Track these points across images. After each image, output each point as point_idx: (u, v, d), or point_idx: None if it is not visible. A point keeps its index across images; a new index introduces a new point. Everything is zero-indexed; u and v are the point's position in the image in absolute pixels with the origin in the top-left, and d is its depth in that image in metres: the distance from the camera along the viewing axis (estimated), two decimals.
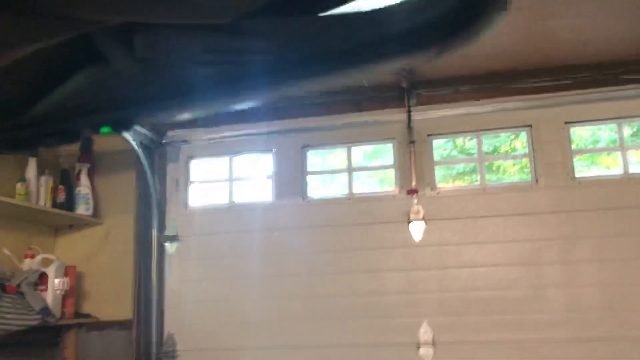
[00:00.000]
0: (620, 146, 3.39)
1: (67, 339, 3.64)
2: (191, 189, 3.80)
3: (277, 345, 3.44)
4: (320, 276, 3.47)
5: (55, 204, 3.56)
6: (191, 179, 3.82)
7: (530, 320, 3.19)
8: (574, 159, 3.37)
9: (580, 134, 3.61)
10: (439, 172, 3.56)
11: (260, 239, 3.59)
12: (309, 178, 3.67)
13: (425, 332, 3.28)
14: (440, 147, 3.89)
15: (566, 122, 3.38)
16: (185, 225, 3.71)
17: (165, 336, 3.58)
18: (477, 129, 3.49)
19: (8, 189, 3.29)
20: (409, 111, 3.46)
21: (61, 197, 3.60)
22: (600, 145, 3.64)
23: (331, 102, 3.64)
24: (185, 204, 3.76)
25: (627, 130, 3.42)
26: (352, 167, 3.66)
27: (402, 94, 3.43)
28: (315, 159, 3.81)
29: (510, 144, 4.47)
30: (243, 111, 3.70)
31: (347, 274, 3.44)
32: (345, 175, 3.67)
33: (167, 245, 3.68)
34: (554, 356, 3.12)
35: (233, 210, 3.68)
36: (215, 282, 3.60)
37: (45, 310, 3.14)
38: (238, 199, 3.73)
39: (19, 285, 3.06)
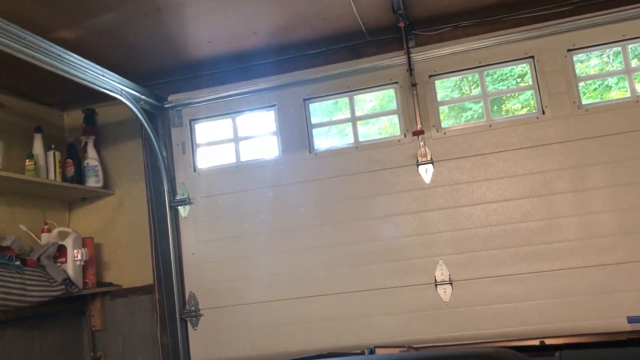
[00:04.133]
0: (626, 69, 3.33)
1: (93, 308, 3.75)
2: (198, 152, 3.81)
3: (296, 295, 3.50)
4: (332, 226, 3.50)
5: (65, 178, 3.60)
6: (197, 141, 3.83)
7: (546, 251, 3.21)
8: (581, 88, 3.32)
9: (587, 72, 3.56)
10: (447, 121, 3.53)
11: (270, 194, 3.62)
12: (315, 132, 3.66)
13: (441, 271, 3.32)
14: (447, 96, 3.86)
15: (569, 50, 3.32)
16: (196, 188, 3.74)
17: (187, 297, 3.65)
18: (479, 64, 3.43)
19: (17, 166, 3.33)
20: (409, 53, 3.40)
21: (70, 170, 3.64)
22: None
23: (329, 52, 3.60)
24: (194, 167, 3.78)
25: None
26: (356, 116, 3.64)
27: (400, 36, 3.37)
28: (321, 119, 3.79)
29: (517, 85, 4.42)
30: (242, 69, 3.70)
31: (360, 221, 3.47)
32: (349, 127, 3.65)
33: (180, 208, 3.72)
34: (572, 284, 3.15)
35: (241, 169, 3.70)
36: (230, 240, 3.64)
37: (67, 281, 3.21)
38: (245, 157, 3.74)
39: (38, 259, 3.13)
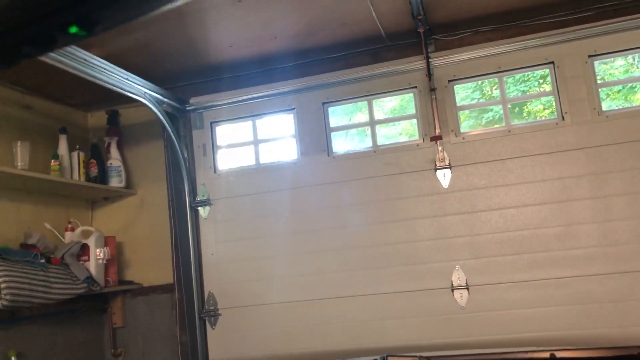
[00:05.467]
0: None
1: (114, 305, 3.82)
2: (218, 154, 3.87)
3: (313, 297, 3.53)
4: (349, 228, 3.53)
5: (88, 178, 3.68)
6: (217, 143, 3.88)
7: (564, 257, 3.19)
8: (602, 94, 3.30)
9: (612, 73, 3.53)
10: (468, 122, 3.53)
11: (288, 197, 3.65)
12: (333, 136, 3.68)
13: (458, 276, 3.32)
14: (469, 96, 3.85)
15: (590, 56, 3.30)
16: (216, 189, 3.79)
17: (206, 296, 3.71)
18: (499, 69, 3.43)
19: (43, 166, 3.41)
20: (428, 58, 3.42)
21: (94, 171, 3.72)
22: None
23: (349, 56, 3.62)
24: (214, 169, 3.83)
25: None
26: (375, 120, 3.66)
27: (419, 40, 3.38)
28: (340, 119, 3.82)
29: (539, 88, 4.39)
30: (263, 72, 3.74)
31: (377, 224, 3.49)
32: (368, 130, 3.67)
33: (200, 209, 3.78)
34: (590, 291, 3.13)
35: (260, 171, 3.74)
36: (249, 241, 3.69)
37: (90, 279, 3.28)
38: (264, 159, 3.78)
39: (62, 257, 3.21)
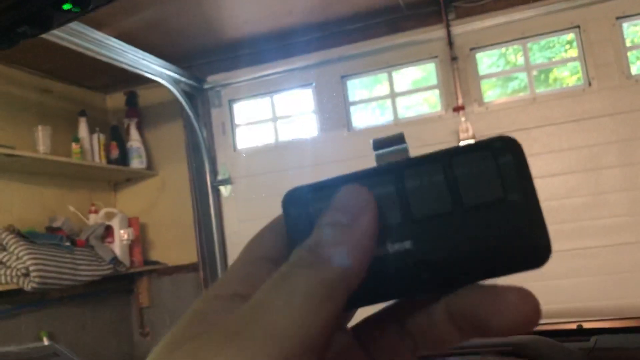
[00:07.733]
0: None
1: (140, 285, 3.86)
2: (237, 132, 3.84)
3: None
4: None
5: (109, 160, 3.68)
6: (236, 121, 3.86)
7: (592, 227, 3.13)
8: (631, 57, 3.18)
9: None
10: (494, 91, 3.45)
11: (309, 174, 3.62)
12: (352, 109, 3.63)
13: None
14: (493, 64, 3.76)
15: (618, 18, 3.18)
16: (236, 168, 3.78)
17: None
18: (523, 36, 3.33)
19: (64, 149, 3.43)
20: (448, 26, 3.33)
21: (114, 152, 3.72)
22: None
23: (366, 27, 3.54)
24: (234, 147, 3.81)
25: None
26: (395, 93, 3.59)
27: (439, 8, 3.29)
28: (360, 92, 3.75)
29: (565, 54, 4.26)
30: (279, 48, 3.68)
31: None
32: (389, 103, 3.60)
33: (222, 188, 3.77)
34: (618, 260, 3.07)
35: (280, 149, 3.71)
36: (270, 219, 3.67)
37: (115, 260, 3.31)
38: (283, 137, 3.75)
39: (87, 239, 3.23)
